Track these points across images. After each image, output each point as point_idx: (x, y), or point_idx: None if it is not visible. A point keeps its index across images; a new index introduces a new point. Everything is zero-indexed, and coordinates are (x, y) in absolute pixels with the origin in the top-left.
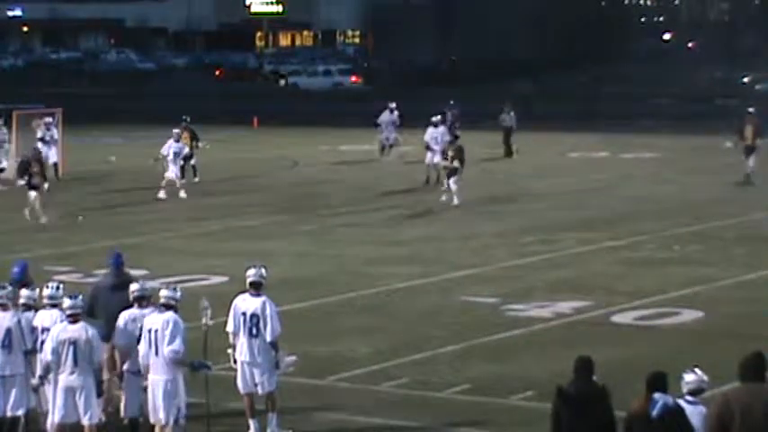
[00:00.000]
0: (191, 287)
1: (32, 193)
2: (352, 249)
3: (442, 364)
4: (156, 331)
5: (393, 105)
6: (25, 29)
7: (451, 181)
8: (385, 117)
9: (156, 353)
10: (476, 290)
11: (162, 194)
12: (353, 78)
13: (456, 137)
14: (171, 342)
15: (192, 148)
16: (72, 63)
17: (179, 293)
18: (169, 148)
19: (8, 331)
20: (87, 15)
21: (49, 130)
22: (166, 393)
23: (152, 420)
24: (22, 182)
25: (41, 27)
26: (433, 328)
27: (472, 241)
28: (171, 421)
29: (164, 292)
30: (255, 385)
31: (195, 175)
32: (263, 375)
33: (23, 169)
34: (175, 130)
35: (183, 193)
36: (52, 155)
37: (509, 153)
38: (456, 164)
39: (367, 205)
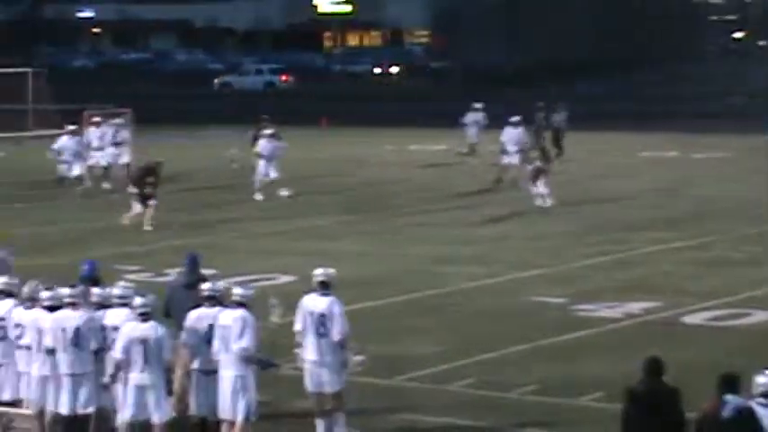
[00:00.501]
0: (259, 286)
1: (139, 206)
2: (420, 249)
3: (511, 364)
4: (228, 328)
5: (479, 105)
6: (96, 30)
7: (540, 183)
8: (470, 117)
9: (227, 349)
10: (545, 290)
11: (258, 196)
12: (284, 77)
13: (543, 137)
14: (241, 339)
15: None
16: (142, 63)
17: (252, 292)
18: (263, 148)
19: (77, 330)
20: (157, 16)
21: (118, 131)
22: (236, 390)
23: (221, 417)
24: (134, 190)
25: (112, 28)
26: (501, 328)
27: (541, 241)
28: (240, 418)
29: (237, 290)
30: (323, 385)
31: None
32: (331, 375)
33: (139, 178)
34: (267, 131)
35: (283, 191)
36: (123, 155)
37: (560, 153)
38: (540, 163)
39: (435, 205)
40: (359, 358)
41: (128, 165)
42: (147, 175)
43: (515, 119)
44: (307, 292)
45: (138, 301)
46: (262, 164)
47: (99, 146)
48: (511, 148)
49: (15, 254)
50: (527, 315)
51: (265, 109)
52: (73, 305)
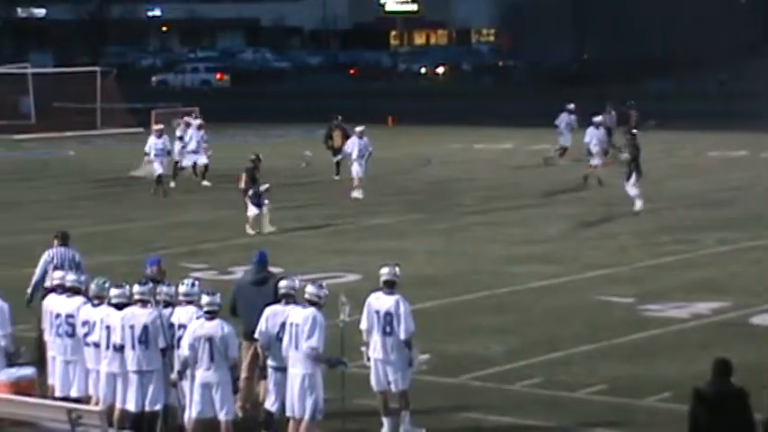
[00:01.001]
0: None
1: (256, 210)
2: (486, 248)
3: (577, 363)
4: (297, 326)
5: (571, 107)
6: (164, 29)
7: (629, 185)
8: (563, 119)
9: (296, 347)
10: (612, 290)
11: (357, 194)
12: (218, 76)
13: (633, 135)
14: (310, 338)
15: (343, 145)
16: (209, 62)
17: (324, 291)
18: (353, 146)
19: (145, 327)
20: (224, 15)
21: (187, 129)
22: (304, 388)
23: (288, 414)
24: (249, 192)
25: (179, 27)
26: (567, 328)
27: (608, 241)
28: (307, 417)
29: (309, 289)
30: (389, 383)
31: (338, 172)
32: (397, 373)
33: (251, 179)
34: (358, 128)
35: (359, 193)
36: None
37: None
38: (626, 165)
39: (502, 203)
40: (425, 357)
41: (195, 163)
42: (254, 175)
43: (597, 119)
44: (373, 291)
45: (204, 299)
46: (355, 163)
47: (195, 148)
48: (594, 148)
49: (84, 251)
50: (594, 315)
51: (335, 107)
52: (141, 303)
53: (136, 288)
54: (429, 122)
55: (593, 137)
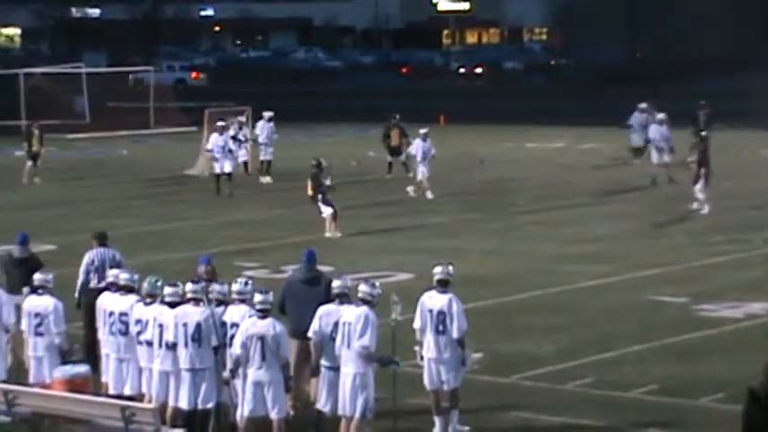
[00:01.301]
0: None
1: (330, 209)
2: (539, 247)
3: (629, 363)
4: (350, 324)
5: (643, 106)
6: (217, 28)
7: (697, 188)
8: (636, 119)
9: (349, 346)
10: (664, 289)
11: (411, 192)
12: (194, 74)
13: (702, 138)
14: (362, 336)
15: (401, 145)
16: (261, 61)
17: (378, 290)
18: (417, 148)
19: (198, 326)
20: (277, 15)
21: (241, 128)
22: (355, 387)
23: (339, 413)
24: (318, 195)
25: (232, 26)
26: (620, 328)
27: (661, 240)
28: (357, 415)
29: (362, 287)
30: (442, 382)
31: (408, 171)
32: (450, 372)
33: (320, 180)
34: (422, 131)
35: (430, 193)
36: (242, 154)
37: (642, 153)
38: (694, 167)
39: (554, 203)
40: (478, 355)
41: (245, 163)
42: (319, 179)
43: (660, 116)
44: (426, 290)
45: (257, 297)
46: (420, 165)
47: (265, 142)
48: (662, 144)
49: (137, 250)
50: (647, 314)
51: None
52: (194, 301)
53: (188, 287)
54: (481, 121)
55: (657, 134)
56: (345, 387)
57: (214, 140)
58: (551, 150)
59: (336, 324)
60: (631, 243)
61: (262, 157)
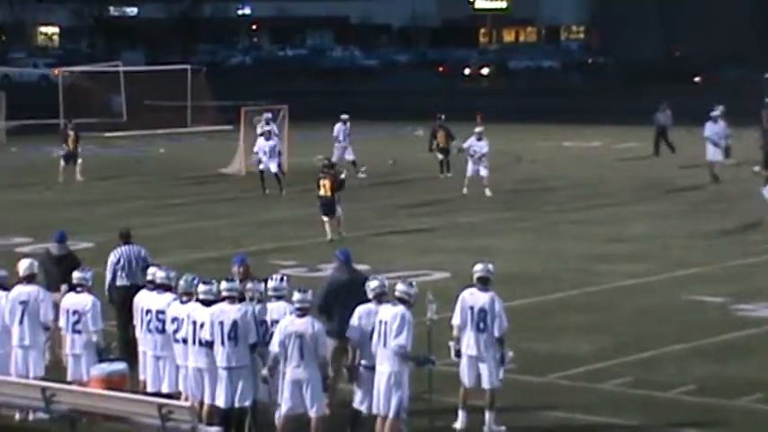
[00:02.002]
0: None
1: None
2: (576, 246)
3: (668, 363)
4: (386, 323)
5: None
6: (254, 27)
7: (765, 190)
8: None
9: (385, 345)
10: (702, 289)
11: (488, 192)
12: (55, 71)
13: None
14: (398, 335)
15: (448, 145)
16: (298, 60)
17: (414, 289)
18: (470, 144)
19: (235, 323)
20: (314, 13)
21: (268, 125)
22: (390, 385)
23: (374, 411)
24: (336, 196)
25: (269, 25)
26: (657, 327)
27: (698, 239)
28: (392, 413)
29: (399, 287)
30: (480, 380)
31: (449, 170)
32: (489, 370)
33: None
34: (478, 129)
35: (488, 192)
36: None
37: (657, 152)
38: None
39: (591, 201)
40: (509, 354)
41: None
42: (338, 175)
43: (715, 113)
44: (466, 287)
45: (296, 296)
46: (470, 162)
47: (344, 143)
48: (721, 141)
49: (174, 248)
50: (685, 314)
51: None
52: (230, 299)
53: (223, 285)
54: (518, 120)
55: (712, 131)
56: (380, 386)
57: (260, 145)
58: (588, 149)
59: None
60: (669, 242)
61: (347, 157)
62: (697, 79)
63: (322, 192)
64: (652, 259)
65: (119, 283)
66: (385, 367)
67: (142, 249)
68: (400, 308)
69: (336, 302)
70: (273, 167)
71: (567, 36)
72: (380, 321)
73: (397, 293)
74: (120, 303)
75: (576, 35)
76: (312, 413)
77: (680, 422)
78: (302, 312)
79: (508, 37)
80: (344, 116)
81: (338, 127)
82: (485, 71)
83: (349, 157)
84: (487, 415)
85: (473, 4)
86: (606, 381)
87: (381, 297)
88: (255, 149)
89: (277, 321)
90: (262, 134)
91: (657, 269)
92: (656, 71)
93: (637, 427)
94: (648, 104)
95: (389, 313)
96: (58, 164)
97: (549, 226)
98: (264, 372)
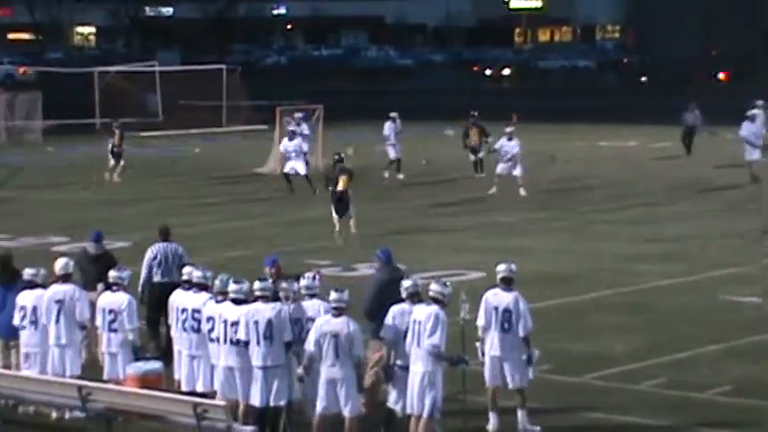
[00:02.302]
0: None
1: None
2: (611, 246)
3: (703, 364)
4: (420, 323)
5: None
6: (289, 27)
7: None
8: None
9: (419, 344)
10: (738, 289)
11: (522, 192)
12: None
13: None
14: (431, 335)
15: (481, 143)
16: (333, 60)
17: (448, 289)
18: (501, 145)
19: (269, 322)
20: (349, 12)
21: (299, 125)
22: (423, 385)
23: (408, 411)
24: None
25: (304, 25)
26: (693, 328)
27: (735, 239)
28: (426, 413)
29: (433, 286)
30: (505, 380)
31: (481, 170)
32: (514, 370)
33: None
34: (508, 129)
35: (523, 191)
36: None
37: (689, 152)
38: None
39: (626, 201)
40: (536, 353)
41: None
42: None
43: (752, 112)
44: (489, 288)
45: (332, 295)
46: (501, 162)
47: (393, 141)
48: (753, 141)
49: (210, 247)
50: (721, 314)
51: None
52: (263, 299)
53: (256, 285)
54: (553, 120)
55: (749, 130)
56: (414, 386)
57: (285, 145)
58: (624, 149)
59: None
60: (705, 242)
61: (391, 156)
62: (721, 76)
63: (340, 186)
64: (688, 259)
65: (154, 279)
66: (419, 367)
67: (179, 247)
68: (434, 307)
69: (381, 303)
70: (302, 169)
71: (602, 35)
72: (415, 321)
73: (431, 293)
74: (154, 300)
75: (612, 34)
76: (346, 412)
77: (715, 423)
78: (338, 312)
79: (543, 36)
80: (393, 114)
81: (388, 125)
82: (506, 71)
83: (392, 155)
84: (520, 414)
85: (508, 3)
86: (641, 381)
87: (414, 297)
88: (281, 149)
89: (313, 319)
90: (292, 131)
91: (693, 269)
92: (692, 71)
93: (672, 427)
94: (684, 104)
95: (424, 313)
96: (95, 163)
97: (583, 226)
98: (300, 371)
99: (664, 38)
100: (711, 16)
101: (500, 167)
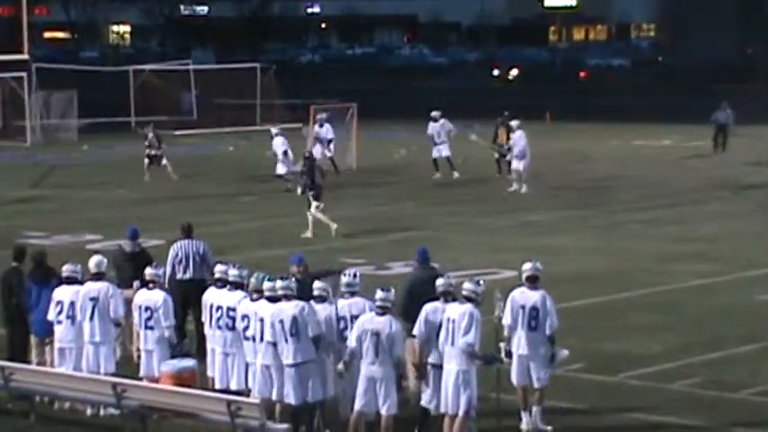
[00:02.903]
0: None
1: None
2: (644, 245)
3: (738, 364)
4: (454, 321)
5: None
6: (323, 25)
7: None
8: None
9: (452, 343)
10: None
11: (515, 187)
12: None
13: None
14: (466, 334)
15: (506, 142)
16: (366, 58)
17: (481, 288)
18: (517, 143)
19: (294, 320)
20: (382, 11)
21: (321, 126)
22: (458, 384)
23: (442, 410)
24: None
25: (338, 23)
26: (728, 328)
27: None
28: (461, 412)
29: (467, 285)
30: (530, 378)
31: (503, 171)
32: (540, 369)
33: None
34: (514, 123)
35: (525, 188)
36: (329, 150)
37: (719, 149)
38: None
39: (660, 201)
40: (564, 353)
41: (332, 159)
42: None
43: None
44: (515, 287)
45: (378, 294)
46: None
47: (440, 140)
48: None
49: (244, 246)
50: (756, 314)
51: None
52: (286, 297)
53: (278, 283)
54: (588, 119)
55: None
56: (448, 384)
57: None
58: (658, 148)
59: (441, 321)
60: (739, 242)
61: (436, 155)
62: None
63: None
64: (722, 259)
65: (177, 276)
66: (453, 366)
67: (202, 244)
68: (468, 306)
69: (418, 302)
70: (280, 169)
71: (637, 34)
72: (448, 319)
73: (464, 292)
74: (178, 298)
75: (647, 33)
76: (383, 410)
77: (751, 423)
78: (383, 311)
79: (578, 35)
80: (435, 113)
81: (431, 126)
82: (514, 72)
83: (442, 154)
84: (534, 410)
85: (542, 2)
86: (676, 381)
87: (447, 295)
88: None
89: (356, 317)
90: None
91: (727, 269)
92: (728, 70)
93: (706, 427)
94: (719, 103)
95: (457, 311)
96: (130, 162)
97: (617, 225)
98: (340, 366)
99: (699, 37)
100: (747, 15)
101: (513, 163)
